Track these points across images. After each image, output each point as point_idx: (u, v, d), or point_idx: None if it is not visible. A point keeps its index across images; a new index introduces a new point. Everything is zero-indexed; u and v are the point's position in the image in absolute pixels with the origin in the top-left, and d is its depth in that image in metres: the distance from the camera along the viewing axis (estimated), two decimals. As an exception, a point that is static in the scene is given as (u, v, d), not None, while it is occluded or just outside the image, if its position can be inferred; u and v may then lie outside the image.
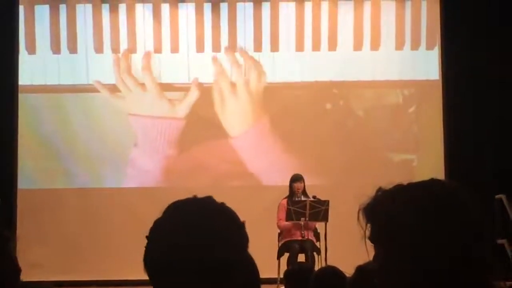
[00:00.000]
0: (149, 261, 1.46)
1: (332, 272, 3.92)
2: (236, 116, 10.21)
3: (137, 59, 10.28)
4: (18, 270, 2.35)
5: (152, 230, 1.48)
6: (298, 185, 8.63)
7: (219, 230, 1.45)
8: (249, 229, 1.50)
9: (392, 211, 1.40)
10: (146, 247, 1.48)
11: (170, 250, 1.43)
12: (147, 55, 10.24)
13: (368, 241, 1.44)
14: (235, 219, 1.48)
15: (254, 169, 10.13)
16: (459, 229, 1.38)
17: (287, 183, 8.81)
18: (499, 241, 8.29)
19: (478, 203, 1.42)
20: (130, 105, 10.23)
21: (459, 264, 1.37)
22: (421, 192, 1.42)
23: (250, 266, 1.50)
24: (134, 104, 10.23)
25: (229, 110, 10.22)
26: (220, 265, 1.41)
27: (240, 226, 1.48)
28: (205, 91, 10.23)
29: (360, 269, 3.05)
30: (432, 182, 1.45)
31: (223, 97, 10.23)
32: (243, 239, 1.48)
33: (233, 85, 10.22)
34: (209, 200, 1.50)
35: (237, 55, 10.24)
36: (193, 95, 10.23)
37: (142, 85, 10.24)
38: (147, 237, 1.48)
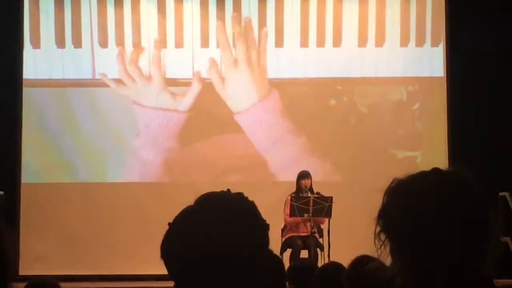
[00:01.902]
0: (169, 249, 1.43)
1: (335, 268, 3.92)
2: (243, 102, 10.21)
3: (141, 54, 10.26)
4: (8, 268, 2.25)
5: (179, 219, 1.46)
6: (305, 181, 8.64)
7: (246, 230, 1.44)
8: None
9: (395, 209, 1.41)
10: (167, 234, 1.45)
11: (195, 245, 1.41)
12: (156, 50, 10.22)
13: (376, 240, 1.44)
14: (262, 220, 1.46)
15: (257, 164, 10.12)
16: (461, 221, 1.38)
17: (290, 179, 8.80)
18: (503, 239, 8.28)
19: (483, 193, 1.42)
20: (133, 99, 10.22)
21: (461, 254, 1.37)
22: (420, 186, 1.43)
23: (273, 268, 1.49)
24: (137, 98, 10.22)
25: (232, 94, 10.21)
26: (242, 265, 1.40)
27: (266, 228, 1.47)
28: (208, 85, 10.23)
29: (356, 261, 3.08)
30: (434, 172, 1.46)
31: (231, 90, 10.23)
32: (266, 241, 1.46)
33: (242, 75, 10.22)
34: (240, 197, 1.49)
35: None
36: (196, 89, 10.22)
37: (148, 78, 10.22)
38: (169, 224, 1.46)
